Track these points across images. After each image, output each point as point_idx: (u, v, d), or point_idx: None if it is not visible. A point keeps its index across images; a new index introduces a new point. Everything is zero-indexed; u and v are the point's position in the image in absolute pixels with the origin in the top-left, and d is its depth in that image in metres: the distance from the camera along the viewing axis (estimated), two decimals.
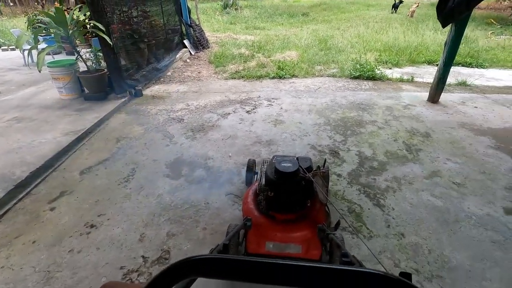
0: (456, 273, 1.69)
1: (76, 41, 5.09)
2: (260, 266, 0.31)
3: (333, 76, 5.53)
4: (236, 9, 15.05)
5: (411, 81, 5.20)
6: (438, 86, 3.98)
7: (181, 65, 6.49)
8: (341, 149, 2.99)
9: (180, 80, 5.43)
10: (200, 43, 7.70)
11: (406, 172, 2.61)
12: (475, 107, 4.01)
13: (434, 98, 4.09)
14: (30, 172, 2.56)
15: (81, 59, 4.21)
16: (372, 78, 5.26)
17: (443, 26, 3.53)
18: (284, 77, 5.37)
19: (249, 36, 9.54)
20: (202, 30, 8.13)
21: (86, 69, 4.25)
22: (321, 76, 5.54)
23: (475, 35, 8.77)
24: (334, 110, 3.93)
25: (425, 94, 4.37)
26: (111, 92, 4.34)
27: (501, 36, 9.11)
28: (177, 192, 2.40)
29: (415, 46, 7.48)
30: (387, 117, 3.70)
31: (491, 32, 9.68)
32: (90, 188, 2.47)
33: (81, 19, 4.29)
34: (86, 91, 4.30)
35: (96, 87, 4.22)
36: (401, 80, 5.22)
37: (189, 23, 7.41)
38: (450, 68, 3.83)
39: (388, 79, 5.28)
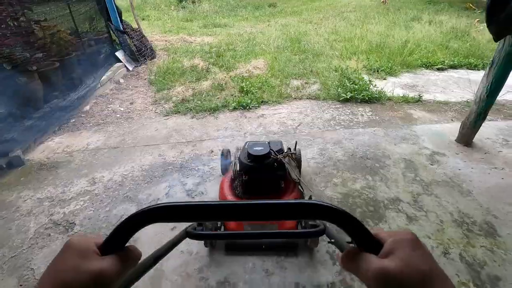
0: None
1: None
2: (209, 208, 0.38)
3: (316, 98, 4.09)
4: (193, 2, 13.09)
5: (418, 100, 3.90)
6: (476, 123, 2.67)
7: (111, 89, 4.76)
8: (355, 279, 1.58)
9: (98, 121, 3.73)
10: (140, 54, 5.93)
11: None
12: None
13: (467, 139, 2.80)
14: None
15: None
16: (368, 99, 3.90)
17: (496, 40, 2.19)
18: (250, 107, 3.84)
19: (207, 37, 7.84)
20: (143, 36, 6.33)
21: None
22: (300, 99, 4.09)
23: (462, 24, 7.72)
24: (329, 177, 2.50)
25: (448, 127, 3.09)
26: None
27: None
28: None
29: (404, 42, 6.24)
30: (413, 188, 2.34)
31: (477, 20, 8.69)
32: None
33: None
34: None
35: None
36: (405, 100, 3.90)
37: (121, 28, 5.61)
38: (495, 99, 2.53)
39: (389, 99, 3.96)
